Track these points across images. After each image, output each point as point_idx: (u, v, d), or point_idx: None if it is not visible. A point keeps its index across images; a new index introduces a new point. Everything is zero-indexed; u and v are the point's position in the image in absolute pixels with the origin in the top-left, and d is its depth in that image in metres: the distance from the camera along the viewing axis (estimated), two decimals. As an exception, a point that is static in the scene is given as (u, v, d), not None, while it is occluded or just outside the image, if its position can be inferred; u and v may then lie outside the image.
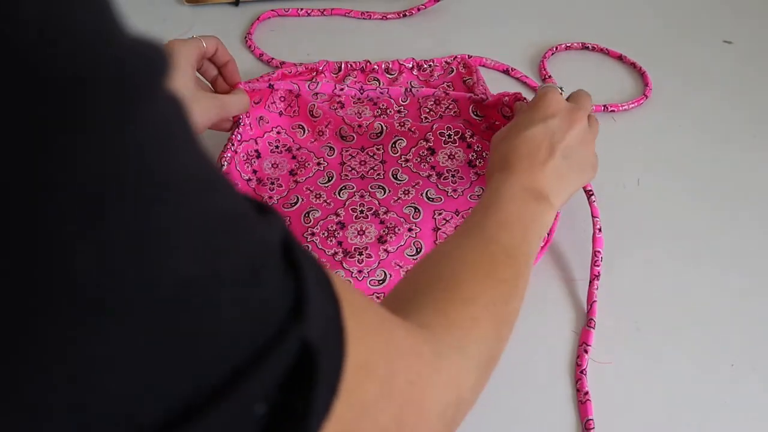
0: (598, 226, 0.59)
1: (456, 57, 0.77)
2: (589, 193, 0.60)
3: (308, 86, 0.69)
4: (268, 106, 0.69)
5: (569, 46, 0.83)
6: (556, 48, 0.82)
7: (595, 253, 0.58)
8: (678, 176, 0.67)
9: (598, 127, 0.60)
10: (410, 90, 0.70)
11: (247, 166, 0.66)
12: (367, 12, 0.88)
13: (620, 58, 0.81)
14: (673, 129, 0.72)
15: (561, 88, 0.59)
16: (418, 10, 0.88)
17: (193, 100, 0.57)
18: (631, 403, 0.50)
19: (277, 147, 0.69)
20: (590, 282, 0.57)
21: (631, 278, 0.58)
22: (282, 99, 0.70)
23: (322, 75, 0.74)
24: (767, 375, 0.52)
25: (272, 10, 0.88)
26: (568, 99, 0.59)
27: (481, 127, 0.69)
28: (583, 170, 0.56)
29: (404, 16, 0.88)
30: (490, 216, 0.47)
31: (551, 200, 0.51)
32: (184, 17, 0.88)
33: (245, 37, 0.84)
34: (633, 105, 0.74)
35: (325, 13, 0.89)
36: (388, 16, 0.88)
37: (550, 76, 0.77)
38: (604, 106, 0.73)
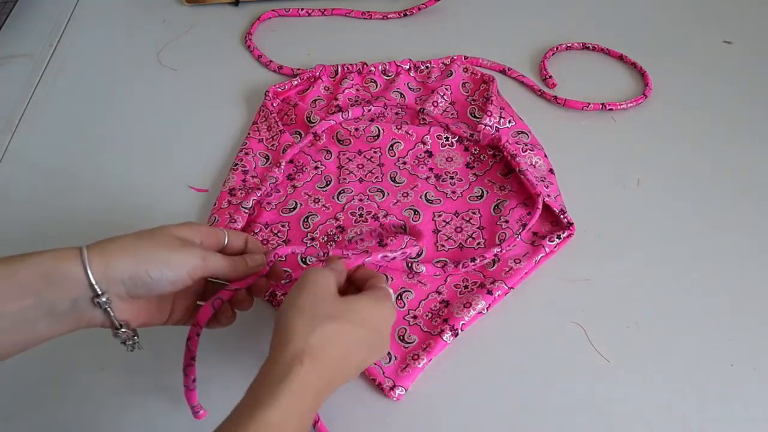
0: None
1: (453, 58, 0.77)
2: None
3: (341, 116, 0.69)
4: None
5: (569, 46, 0.82)
6: (557, 48, 0.82)
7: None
8: (677, 176, 0.67)
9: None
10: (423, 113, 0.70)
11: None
12: (368, 12, 0.88)
13: (620, 58, 0.81)
14: (672, 129, 0.72)
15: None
16: (419, 9, 0.88)
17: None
18: (631, 403, 0.51)
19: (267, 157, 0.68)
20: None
21: (631, 278, 0.58)
22: (278, 111, 0.70)
23: (320, 80, 0.74)
24: (767, 375, 0.52)
25: (272, 10, 0.88)
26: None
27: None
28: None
29: (405, 15, 0.88)
30: None
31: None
32: (184, 17, 0.89)
33: (245, 38, 0.84)
34: (632, 104, 0.74)
35: (325, 12, 0.89)
36: (388, 16, 0.88)
37: (550, 76, 0.77)
38: (603, 104, 0.73)
